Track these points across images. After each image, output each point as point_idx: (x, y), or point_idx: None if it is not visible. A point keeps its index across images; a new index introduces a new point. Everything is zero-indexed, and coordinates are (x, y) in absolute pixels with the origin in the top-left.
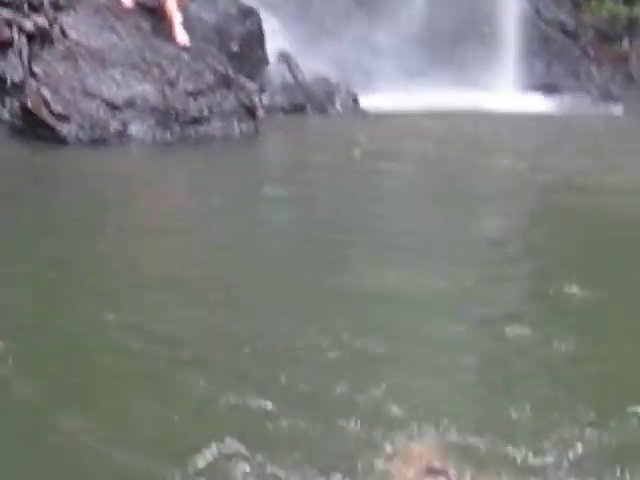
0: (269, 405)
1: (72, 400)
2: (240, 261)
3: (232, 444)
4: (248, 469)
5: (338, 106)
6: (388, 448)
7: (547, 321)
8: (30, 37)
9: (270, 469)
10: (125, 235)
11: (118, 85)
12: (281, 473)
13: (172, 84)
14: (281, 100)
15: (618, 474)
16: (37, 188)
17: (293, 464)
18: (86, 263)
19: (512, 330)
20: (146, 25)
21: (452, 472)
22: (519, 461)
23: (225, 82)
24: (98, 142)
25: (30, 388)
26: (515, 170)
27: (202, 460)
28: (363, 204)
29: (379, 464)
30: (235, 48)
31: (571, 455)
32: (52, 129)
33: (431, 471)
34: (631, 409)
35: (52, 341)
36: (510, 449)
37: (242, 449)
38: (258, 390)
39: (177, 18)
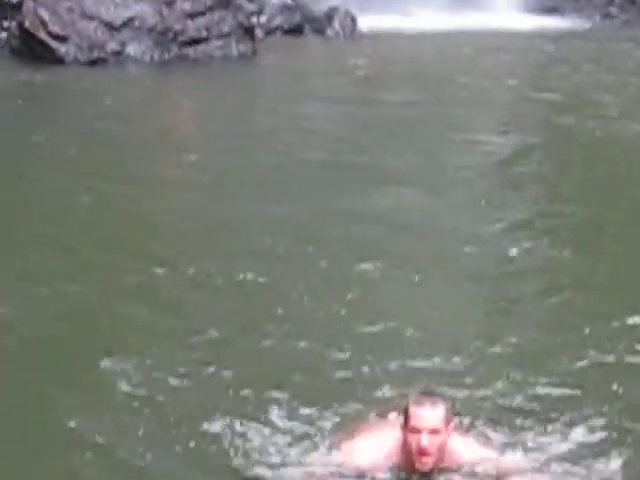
0: (246, 322)
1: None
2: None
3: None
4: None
5: (337, 27)
6: (382, 375)
7: (539, 237)
8: None
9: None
10: (123, 151)
11: (116, 5)
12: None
13: (170, 4)
14: (279, 21)
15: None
16: (38, 109)
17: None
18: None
19: (499, 247)
20: None
21: (445, 395)
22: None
23: (223, 2)
24: (96, 62)
25: None
26: (515, 92)
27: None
28: (361, 134)
29: (375, 391)
30: None
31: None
32: (50, 49)
33: (427, 394)
34: None
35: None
36: (503, 369)
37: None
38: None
39: None
